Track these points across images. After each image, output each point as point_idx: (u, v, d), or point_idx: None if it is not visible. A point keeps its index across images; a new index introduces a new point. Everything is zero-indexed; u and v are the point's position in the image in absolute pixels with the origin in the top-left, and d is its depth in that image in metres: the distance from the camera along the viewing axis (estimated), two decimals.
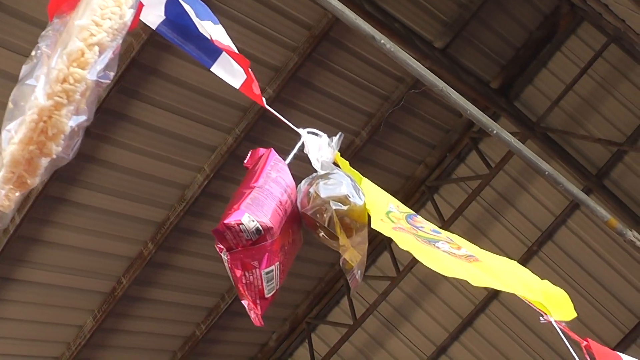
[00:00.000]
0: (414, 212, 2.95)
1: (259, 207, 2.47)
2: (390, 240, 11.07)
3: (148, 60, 7.89)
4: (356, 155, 9.96)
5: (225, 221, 2.41)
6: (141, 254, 9.33)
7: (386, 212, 2.81)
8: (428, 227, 2.90)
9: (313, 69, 9.00)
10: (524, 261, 11.02)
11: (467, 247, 2.92)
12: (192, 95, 8.40)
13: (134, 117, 8.26)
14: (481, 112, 4.42)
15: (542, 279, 11.70)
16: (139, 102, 8.17)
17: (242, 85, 2.78)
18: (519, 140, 10.79)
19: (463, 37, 9.84)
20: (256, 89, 2.78)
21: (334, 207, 2.59)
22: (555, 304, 3.00)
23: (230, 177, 9.22)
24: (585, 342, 2.94)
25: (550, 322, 2.82)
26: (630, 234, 5.63)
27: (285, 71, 8.74)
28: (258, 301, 2.54)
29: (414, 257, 2.96)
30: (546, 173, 5.09)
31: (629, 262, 10.69)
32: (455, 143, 10.92)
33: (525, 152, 4.96)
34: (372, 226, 2.68)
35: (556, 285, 10.56)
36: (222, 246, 2.46)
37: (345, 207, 2.61)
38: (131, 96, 8.06)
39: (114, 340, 10.21)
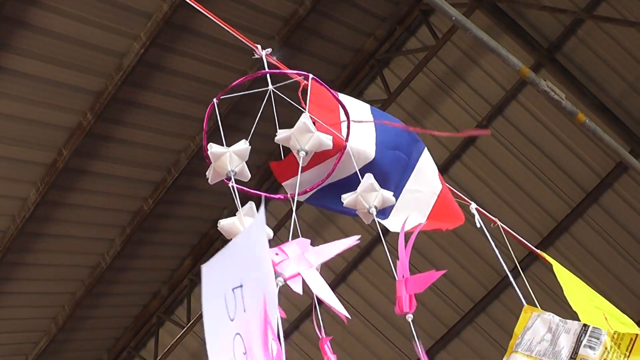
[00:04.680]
0: None
1: None
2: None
3: None
4: (300, 25, 9.73)
5: None
6: (80, 124, 9.18)
7: None
8: None
9: None
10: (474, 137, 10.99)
11: None
12: None
13: None
14: None
15: (491, 154, 11.66)
16: None
17: None
18: (467, 11, 10.40)
19: None
20: None
21: None
22: None
23: (167, 45, 9.00)
24: (305, 82, 2.85)
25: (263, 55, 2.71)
26: (544, 84, 5.56)
27: None
28: None
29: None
30: (453, 18, 4.97)
31: (579, 137, 10.64)
32: (405, 15, 10.67)
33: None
34: None
35: (507, 161, 10.39)
36: None
37: None
38: None
39: (60, 213, 10.18)
